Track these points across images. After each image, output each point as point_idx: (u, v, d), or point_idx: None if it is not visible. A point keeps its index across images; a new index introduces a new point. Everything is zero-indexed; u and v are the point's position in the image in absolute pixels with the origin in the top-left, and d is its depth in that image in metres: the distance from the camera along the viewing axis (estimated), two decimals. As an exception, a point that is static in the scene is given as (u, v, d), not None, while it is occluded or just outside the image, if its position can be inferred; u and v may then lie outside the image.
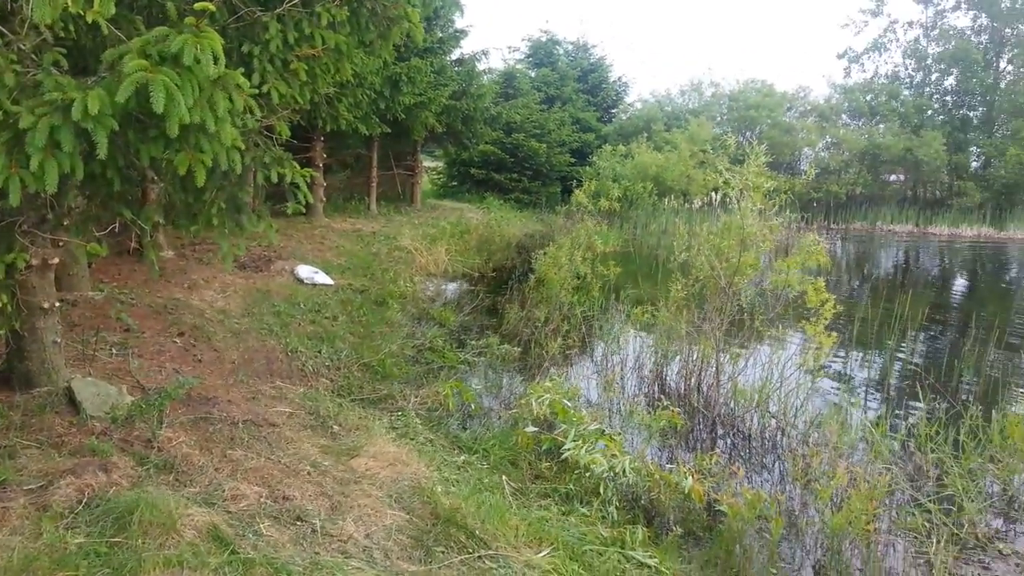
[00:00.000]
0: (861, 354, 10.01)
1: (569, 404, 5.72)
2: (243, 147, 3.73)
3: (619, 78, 38.14)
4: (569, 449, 5.07)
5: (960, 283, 20.83)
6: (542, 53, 35.58)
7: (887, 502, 5.10)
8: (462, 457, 5.36)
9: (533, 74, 33.97)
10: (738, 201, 7.68)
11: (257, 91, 4.16)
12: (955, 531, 4.78)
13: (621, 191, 25.87)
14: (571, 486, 4.97)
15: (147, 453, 4.30)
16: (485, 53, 21.66)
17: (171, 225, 4.99)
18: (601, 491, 4.76)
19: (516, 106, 27.64)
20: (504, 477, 4.98)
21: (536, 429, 5.57)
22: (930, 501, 5.09)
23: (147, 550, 3.16)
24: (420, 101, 16.42)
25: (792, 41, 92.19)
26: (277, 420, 5.35)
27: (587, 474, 4.92)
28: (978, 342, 8.82)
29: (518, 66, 34.43)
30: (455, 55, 20.51)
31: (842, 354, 9.79)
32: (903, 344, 10.31)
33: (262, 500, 4.01)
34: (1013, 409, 6.16)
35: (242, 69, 3.68)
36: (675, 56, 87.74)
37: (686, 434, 6.72)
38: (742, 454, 6.51)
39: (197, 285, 8.50)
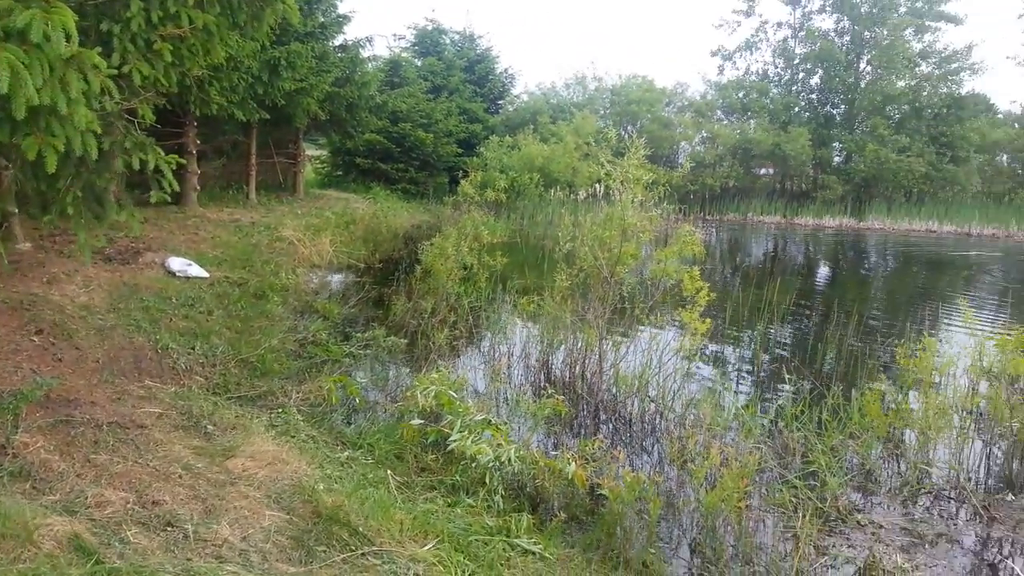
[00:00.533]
0: (734, 339, 10.53)
1: (455, 395, 5.70)
2: (100, 131, 3.48)
3: (506, 69, 38.31)
4: (455, 440, 5.06)
5: (824, 271, 22.24)
6: (428, 42, 35.26)
7: (757, 480, 5.38)
8: (346, 453, 5.25)
9: (419, 63, 33.62)
10: (619, 193, 7.89)
11: (117, 72, 3.89)
12: (819, 505, 5.10)
13: (508, 182, 26.06)
14: (457, 477, 4.97)
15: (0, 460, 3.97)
16: (370, 40, 21.21)
17: (25, 215, 4.61)
18: (487, 481, 4.77)
19: (402, 95, 27.28)
20: (389, 471, 4.92)
21: (422, 421, 5.53)
22: (796, 477, 5.42)
23: (-2, 565, 2.92)
24: (301, 87, 15.92)
25: (670, 39, 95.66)
26: (146, 421, 5.06)
27: (473, 464, 4.92)
28: (839, 326, 9.43)
29: (404, 54, 33.99)
30: (338, 41, 19.98)
31: (717, 339, 10.25)
32: (772, 329, 10.91)
33: (129, 506, 3.78)
34: (870, 388, 6.62)
35: (100, 49, 3.43)
36: (560, 50, 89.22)
37: (571, 421, 6.85)
38: (624, 438, 6.70)
39: (57, 279, 7.91)
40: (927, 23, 38.58)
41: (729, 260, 22.82)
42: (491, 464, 4.80)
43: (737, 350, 10.13)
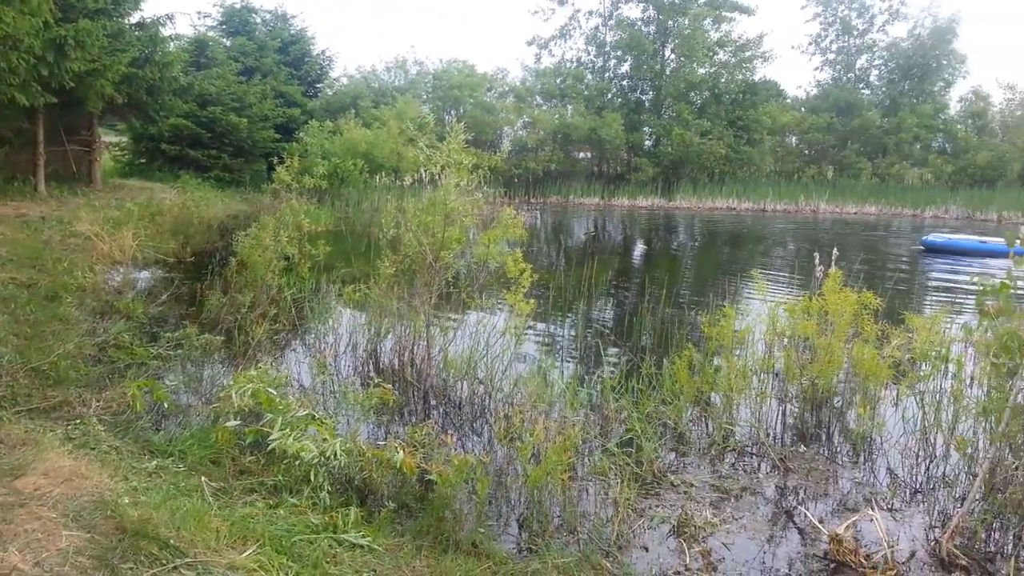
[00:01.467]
0: (559, 317, 10.89)
1: (275, 392, 5.45)
2: None
3: (323, 51, 37.16)
4: (276, 439, 4.83)
5: (639, 249, 23.53)
6: (237, 21, 33.37)
7: (581, 451, 5.59)
8: (154, 462, 4.87)
9: (228, 43, 31.80)
10: (441, 177, 7.87)
11: None
12: (636, 470, 5.39)
13: (331, 168, 25.31)
14: (280, 477, 4.76)
15: None
16: (170, 17, 19.77)
17: None
18: (312, 478, 4.61)
19: (210, 76, 25.67)
20: (204, 478, 4.61)
21: (239, 422, 5.23)
22: (616, 446, 5.68)
23: None
24: (93, 68, 14.55)
25: (489, 24, 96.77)
26: (-92, 447, 4.43)
27: (297, 462, 4.73)
28: (653, 300, 10.00)
29: (211, 34, 31.96)
30: (134, 19, 18.45)
31: (544, 318, 10.54)
32: (594, 306, 11.40)
33: None
34: (679, 356, 7.06)
35: None
36: (379, 33, 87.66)
37: (400, 409, 6.78)
38: (454, 422, 6.73)
39: None
40: (723, 13, 41.66)
41: (553, 241, 23.56)
42: (316, 460, 4.64)
43: (562, 328, 10.49)
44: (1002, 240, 22.55)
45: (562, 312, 11.10)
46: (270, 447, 4.85)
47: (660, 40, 42.76)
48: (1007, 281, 4.53)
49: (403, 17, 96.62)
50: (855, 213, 36.32)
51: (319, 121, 29.29)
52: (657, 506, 5.03)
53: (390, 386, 6.07)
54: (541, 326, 10.32)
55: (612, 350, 8.62)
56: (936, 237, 22.72)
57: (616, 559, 4.29)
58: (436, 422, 6.46)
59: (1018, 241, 4.93)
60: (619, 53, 43.48)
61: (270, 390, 5.33)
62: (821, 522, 4.79)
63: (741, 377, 6.47)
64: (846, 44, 45.68)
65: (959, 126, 43.68)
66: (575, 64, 43.88)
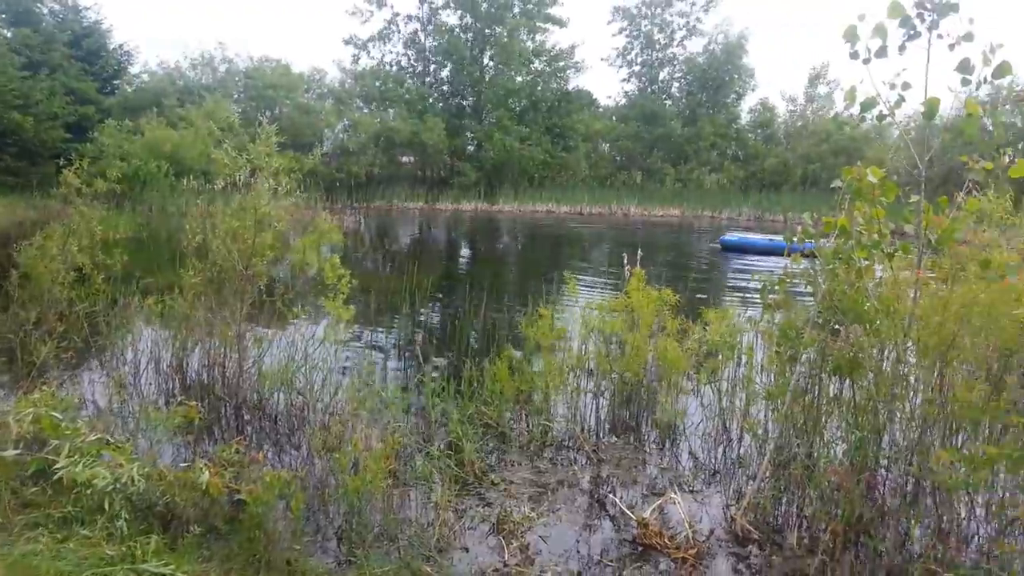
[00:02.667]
0: (385, 322, 10.76)
1: (61, 416, 4.95)
2: None
3: (120, 45, 34.39)
4: (63, 467, 4.39)
5: (464, 252, 23.80)
6: (19, 10, 30.05)
7: (402, 456, 5.55)
8: (-89, 506, 4.27)
9: (9, 34, 28.58)
10: (252, 181, 7.51)
11: None
12: (458, 472, 5.43)
13: (132, 171, 23.46)
14: (69, 508, 4.33)
15: None
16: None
17: None
18: (107, 507, 4.23)
19: (-15, 70, 22.97)
20: (-27, 517, 4.11)
21: (18, 451, 4.70)
22: (438, 450, 5.69)
23: None
24: None
25: (303, 22, 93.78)
26: None
27: (89, 491, 4.32)
28: (476, 302, 10.14)
29: (-15, 22, 28.61)
30: None
31: (367, 324, 10.37)
32: (420, 310, 11.36)
33: None
34: (500, 357, 7.20)
35: None
36: (183, 26, 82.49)
37: (210, 427, 6.41)
38: (271, 436, 6.47)
39: None
40: (538, 24, 43.11)
41: (378, 246, 23.28)
42: (110, 488, 4.26)
43: (387, 333, 10.36)
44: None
45: (387, 317, 10.98)
46: (57, 476, 4.40)
47: (479, 47, 43.48)
48: (784, 277, 5.03)
49: (210, 10, 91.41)
50: (661, 215, 38.90)
51: (117, 120, 27.05)
52: (478, 505, 5.10)
53: (196, 403, 5.70)
54: (365, 332, 10.15)
55: (437, 356, 8.61)
56: (731, 236, 24.84)
57: (437, 563, 4.30)
58: (249, 438, 6.18)
59: (794, 239, 5.48)
60: (439, 58, 43.77)
61: (55, 414, 4.84)
62: (631, 508, 5.07)
63: (558, 374, 6.70)
64: (649, 57, 48.75)
65: (749, 135, 48.03)
66: (395, 68, 43.63)
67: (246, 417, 6.76)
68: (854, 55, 4.54)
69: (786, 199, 40.01)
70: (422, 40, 43.79)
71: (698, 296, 12.21)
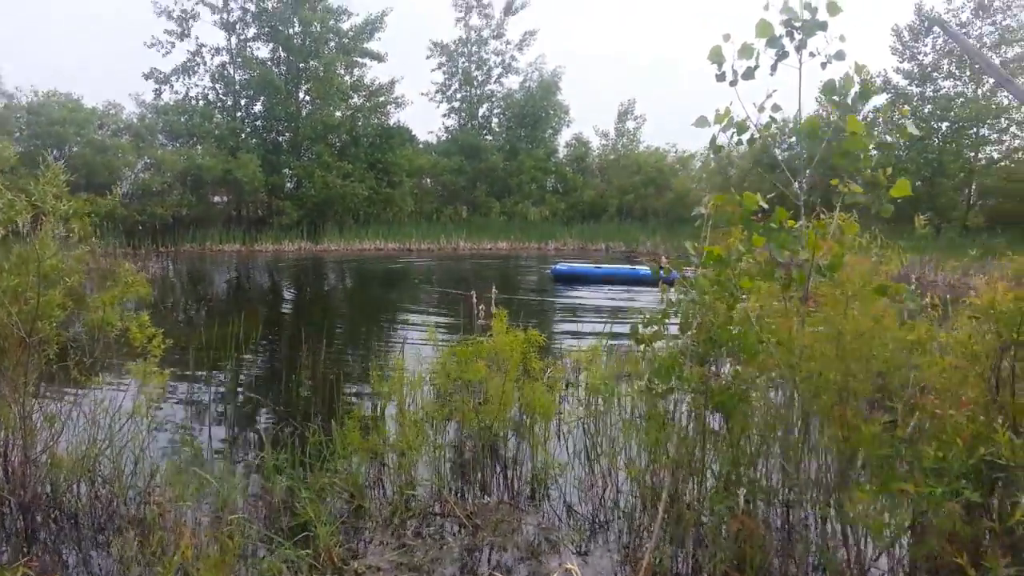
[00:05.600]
0: (203, 383, 9.51)
1: None
2: None
3: None
4: None
5: (289, 296, 22.37)
6: None
7: (245, 554, 4.63)
8: None
9: None
10: (33, 228, 6.25)
11: None
12: (313, 563, 4.59)
13: None
14: None
15: None
16: None
17: None
18: None
19: None
20: None
21: None
22: (286, 538, 4.81)
23: None
24: None
25: (94, 54, 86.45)
26: None
27: None
28: (311, 352, 9.19)
29: None
30: None
31: (185, 388, 9.11)
32: (244, 365, 10.20)
33: None
34: (348, 417, 6.40)
35: None
36: (-50, 57, 73.29)
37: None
38: (71, 539, 5.27)
39: None
40: (355, 59, 42.30)
41: (191, 294, 21.32)
42: None
43: (209, 396, 9.15)
44: (616, 265, 25.92)
45: (207, 376, 9.73)
46: None
47: (293, 81, 41.92)
48: (666, 309, 4.71)
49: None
50: (490, 248, 39.10)
51: None
52: (342, 604, 4.30)
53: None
54: (183, 398, 8.88)
55: (271, 418, 7.64)
56: (562, 266, 25.30)
57: None
58: (44, 545, 4.98)
59: (661, 271, 5.22)
60: (250, 92, 41.68)
61: None
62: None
63: (415, 429, 6.01)
64: (468, 94, 49.43)
65: (567, 168, 49.80)
66: (202, 102, 40.96)
67: (38, 518, 5.48)
68: (720, 77, 4.36)
69: (604, 229, 41.68)
70: (231, 73, 41.52)
71: (540, 327, 11.96)
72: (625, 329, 11.46)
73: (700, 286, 4.50)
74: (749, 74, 4.27)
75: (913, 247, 21.02)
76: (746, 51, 4.22)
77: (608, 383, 5.48)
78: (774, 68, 4.14)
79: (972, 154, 34.56)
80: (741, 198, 4.24)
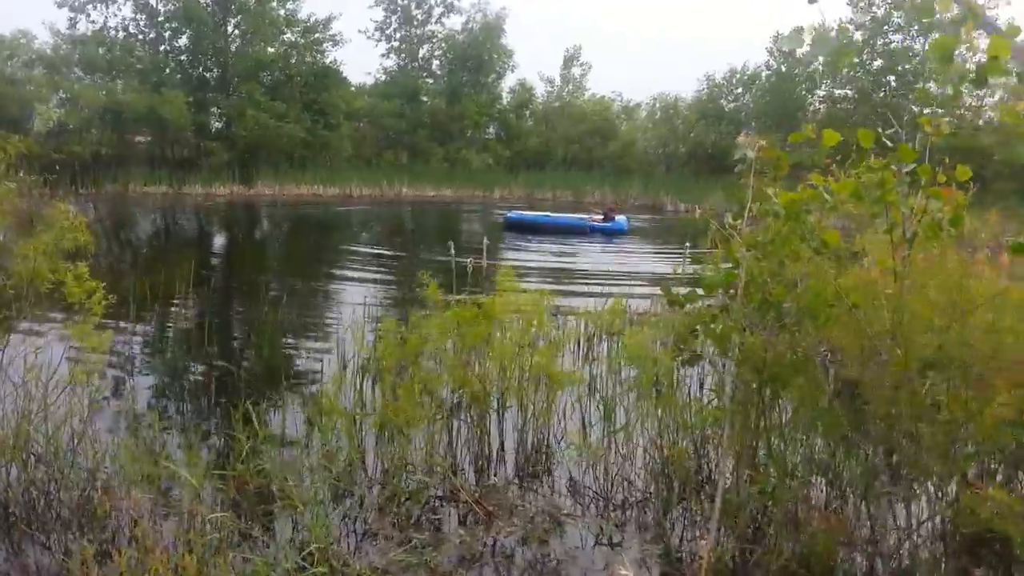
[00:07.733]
0: (139, 338, 8.55)
1: None
2: None
3: None
4: None
5: (219, 241, 21.08)
6: None
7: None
8: None
9: None
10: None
11: None
12: (305, 564, 3.85)
13: None
14: None
15: None
16: None
17: None
18: None
19: None
20: None
21: None
22: (263, 534, 4.06)
23: None
24: None
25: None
26: None
27: None
28: (248, 299, 8.30)
29: None
30: None
31: (119, 344, 8.11)
32: (184, 318, 9.25)
33: None
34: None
35: None
36: None
37: None
38: (1, 528, 4.44)
39: None
40: (288, -9, 39.70)
41: (116, 240, 19.82)
42: None
43: (152, 356, 8.20)
44: (569, 215, 25.33)
45: (143, 328, 8.75)
46: None
47: (222, 14, 39.11)
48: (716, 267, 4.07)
49: None
50: (434, 196, 37.85)
51: None
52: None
53: None
54: (120, 355, 7.92)
55: (232, 386, 6.80)
56: (514, 214, 24.59)
57: None
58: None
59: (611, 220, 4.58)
60: (175, 24, 38.72)
61: None
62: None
63: (411, 400, 5.23)
64: (408, 33, 47.29)
65: (511, 115, 48.46)
66: (123, 33, 37.94)
67: (-44, 508, 4.59)
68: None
69: (550, 177, 40.87)
70: (154, 4, 38.46)
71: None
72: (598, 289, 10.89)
73: (752, 243, 3.87)
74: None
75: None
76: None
77: (642, 352, 4.80)
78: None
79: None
80: (821, 134, 3.60)
